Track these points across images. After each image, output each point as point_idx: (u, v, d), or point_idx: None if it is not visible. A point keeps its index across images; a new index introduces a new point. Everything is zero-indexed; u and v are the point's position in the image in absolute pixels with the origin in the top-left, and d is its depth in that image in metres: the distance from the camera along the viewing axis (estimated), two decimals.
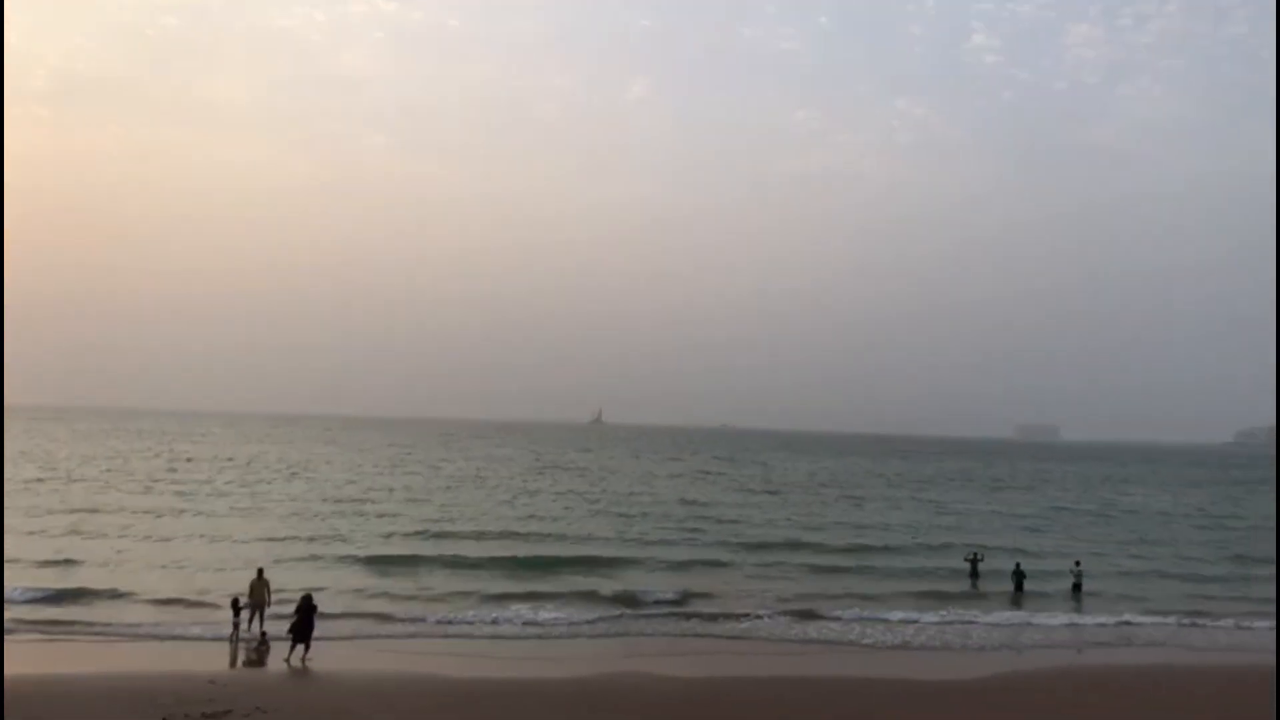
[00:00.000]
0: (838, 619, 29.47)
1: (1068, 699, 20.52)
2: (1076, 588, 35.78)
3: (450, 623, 27.69)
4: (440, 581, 34.05)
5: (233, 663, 23.16)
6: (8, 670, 18.41)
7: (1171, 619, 31.54)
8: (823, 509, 66.71)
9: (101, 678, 20.00)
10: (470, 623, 27.78)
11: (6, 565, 30.98)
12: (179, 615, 27.54)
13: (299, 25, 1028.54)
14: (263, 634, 24.71)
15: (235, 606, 24.81)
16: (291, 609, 23.57)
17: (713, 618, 29.36)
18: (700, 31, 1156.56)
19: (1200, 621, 31.29)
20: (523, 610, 29.16)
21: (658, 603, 31.27)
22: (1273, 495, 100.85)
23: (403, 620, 27.73)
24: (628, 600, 31.49)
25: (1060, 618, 31.37)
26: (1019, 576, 35.91)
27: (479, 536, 45.69)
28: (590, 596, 31.94)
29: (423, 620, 27.77)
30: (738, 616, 29.45)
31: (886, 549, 46.28)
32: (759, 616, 29.49)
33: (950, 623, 29.76)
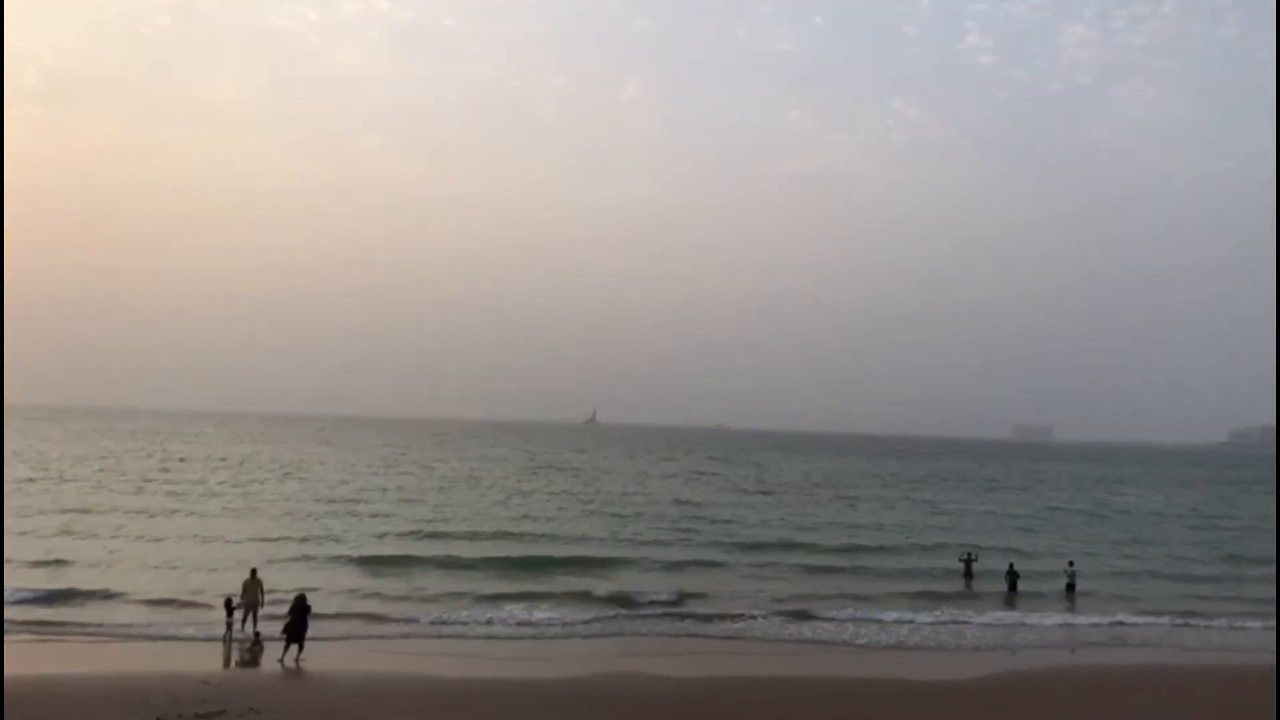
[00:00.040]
0: (832, 619, 29.46)
1: (1068, 699, 20.54)
2: (1070, 588, 35.83)
3: (444, 623, 27.62)
4: (434, 582, 33.97)
5: (226, 663, 23.07)
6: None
7: (1165, 619, 31.59)
8: (817, 509, 66.73)
9: (94, 678, 19.91)
10: (464, 623, 27.70)
11: None
12: (172, 616, 27.43)
13: (292, 24, 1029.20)
14: (256, 634, 24.62)
15: (229, 607, 24.76)
16: (285, 609, 23.51)
17: (707, 618, 29.32)
18: (695, 32, 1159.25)
19: (1194, 622, 31.35)
20: (517, 611, 29.11)
21: (652, 603, 31.22)
22: (1266, 495, 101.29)
23: (396, 621, 27.66)
24: (622, 600, 31.44)
25: (1054, 618, 31.40)
26: (1013, 577, 35.95)
27: (472, 537, 45.60)
28: (584, 597, 31.88)
29: (416, 621, 27.70)
30: (732, 617, 29.44)
31: (880, 549, 46.31)
32: (753, 617, 29.48)
33: (944, 623, 29.76)
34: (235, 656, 23.58)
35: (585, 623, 28.33)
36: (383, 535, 45.43)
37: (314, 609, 23.74)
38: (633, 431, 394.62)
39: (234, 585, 26.45)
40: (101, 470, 78.92)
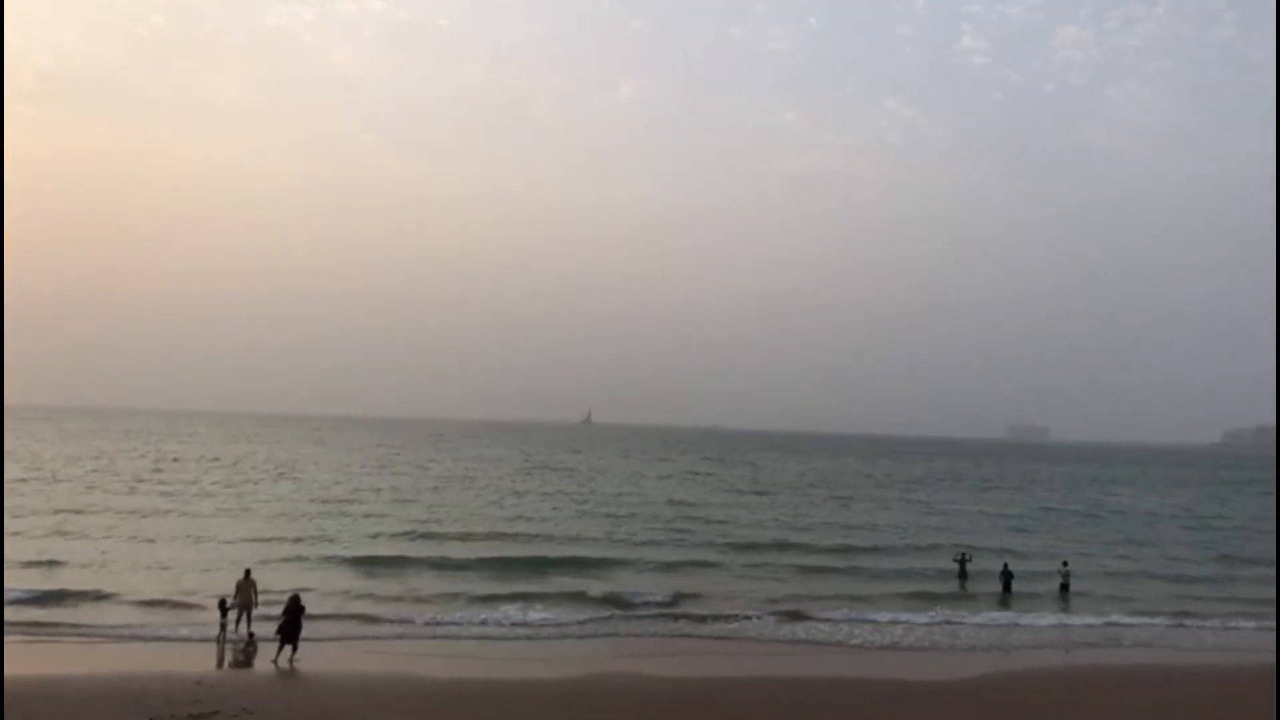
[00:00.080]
0: (827, 620, 29.45)
1: (1062, 699, 20.56)
2: (1064, 588, 35.88)
3: (439, 624, 27.57)
4: (428, 582, 33.91)
5: (220, 664, 22.98)
6: None
7: (1159, 620, 31.65)
8: (811, 509, 66.74)
9: (87, 679, 19.85)
10: (459, 624, 27.65)
11: None
12: (165, 616, 27.35)
13: (288, 24, 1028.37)
14: (250, 635, 24.58)
15: (222, 607, 24.69)
16: (279, 610, 23.46)
17: (702, 619, 29.30)
18: (692, 32, 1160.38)
19: (1188, 622, 31.40)
20: (511, 611, 29.06)
21: (647, 603, 31.18)
22: (1259, 496, 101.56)
23: (391, 621, 27.60)
24: (617, 601, 31.40)
25: (1048, 618, 31.45)
26: (1007, 577, 35.98)
27: (467, 537, 45.54)
28: (579, 597, 31.85)
29: (411, 621, 27.64)
30: (727, 617, 29.43)
31: (875, 550, 46.33)
32: (748, 617, 29.47)
33: (939, 623, 29.77)
34: (229, 657, 23.51)
35: (580, 623, 28.29)
36: (377, 536, 45.34)
37: (308, 609, 23.68)
38: (628, 432, 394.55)
39: (227, 586, 26.40)
40: (95, 470, 78.68)
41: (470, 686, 20.46)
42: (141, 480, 70.77)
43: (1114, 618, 31.58)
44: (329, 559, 38.09)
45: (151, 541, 41.15)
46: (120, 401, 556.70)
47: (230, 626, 24.67)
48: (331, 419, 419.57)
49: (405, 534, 46.04)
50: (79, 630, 25.37)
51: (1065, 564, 37.44)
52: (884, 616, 30.24)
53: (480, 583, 34.07)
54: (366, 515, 52.92)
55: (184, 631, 25.51)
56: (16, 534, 40.76)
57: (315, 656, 22.80)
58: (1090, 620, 31.15)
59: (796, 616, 29.76)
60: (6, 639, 23.54)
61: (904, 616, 30.39)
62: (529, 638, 26.55)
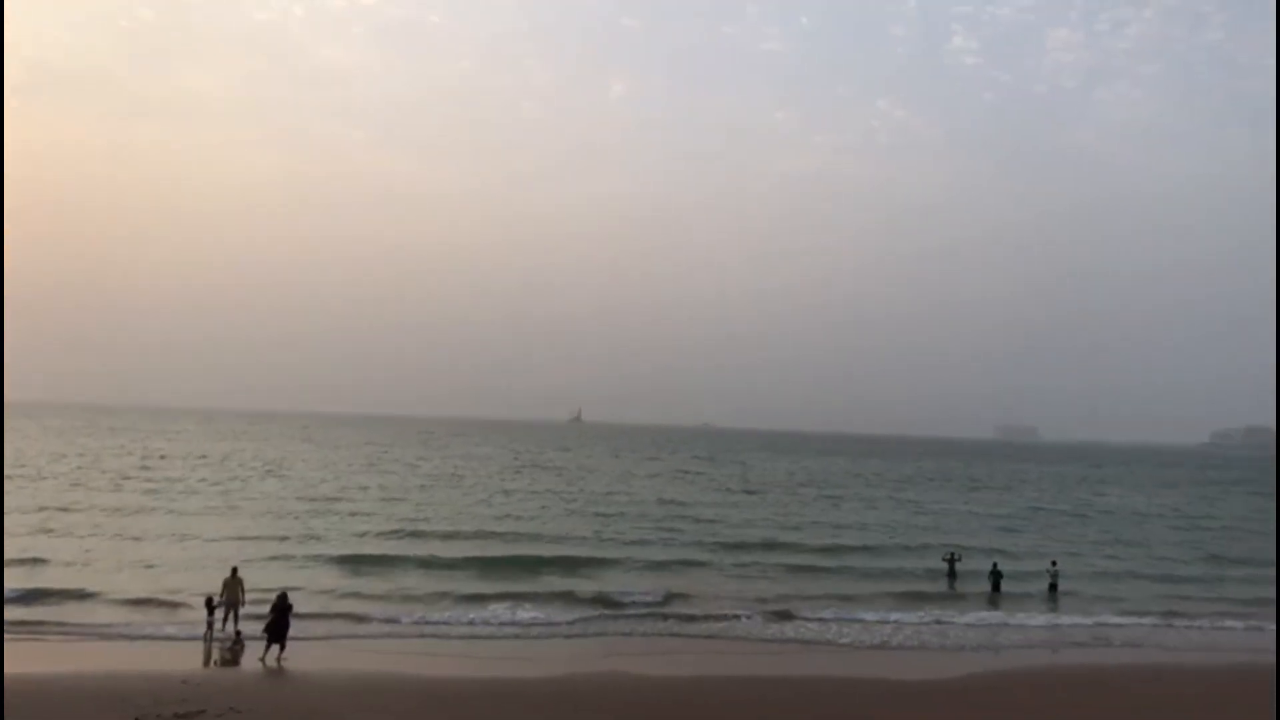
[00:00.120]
0: (816, 619, 29.43)
1: (1051, 699, 20.56)
2: (1053, 588, 35.94)
3: (426, 623, 27.44)
4: (416, 581, 33.77)
5: (206, 662, 22.84)
6: None
7: (1147, 619, 31.76)
8: (801, 509, 66.76)
9: (73, 678, 19.68)
10: (446, 623, 27.54)
11: None
12: (151, 615, 27.17)
13: (277, 18, 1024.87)
14: (237, 633, 24.42)
15: (209, 606, 24.54)
16: (266, 608, 23.31)
17: (691, 618, 29.25)
18: (682, 31, 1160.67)
19: (1175, 622, 31.50)
20: (500, 610, 28.96)
21: (635, 603, 31.12)
22: (1247, 496, 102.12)
23: (378, 620, 27.46)
24: (605, 600, 31.33)
25: (1037, 618, 31.49)
26: (996, 577, 36.03)
27: (455, 536, 45.36)
28: (567, 597, 31.75)
29: (398, 620, 27.51)
30: (716, 617, 29.38)
31: (864, 549, 46.34)
32: (737, 616, 29.43)
33: (928, 623, 29.79)
34: (216, 656, 23.36)
35: (568, 623, 28.20)
36: (364, 534, 45.15)
37: (295, 608, 23.55)
38: (618, 430, 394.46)
39: (214, 584, 26.25)
40: (80, 468, 78.21)
41: (458, 685, 20.36)
42: (127, 478, 70.35)
43: (1102, 617, 31.68)
44: (316, 557, 37.89)
45: (137, 539, 40.89)
46: (106, 398, 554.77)
47: (217, 625, 24.52)
48: (320, 416, 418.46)
49: (393, 532, 45.84)
50: (63, 629, 25.16)
51: (1054, 563, 37.51)
52: (873, 616, 30.24)
53: (468, 581, 33.94)
54: (354, 513, 52.68)
55: (170, 630, 25.34)
56: None
57: (303, 655, 22.67)
58: (1079, 620, 31.22)
59: (785, 616, 29.73)
60: None
61: (893, 616, 30.39)
62: (517, 637, 26.45)
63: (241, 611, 25.02)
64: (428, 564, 37.30)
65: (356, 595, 30.92)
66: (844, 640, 27.21)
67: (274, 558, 37.26)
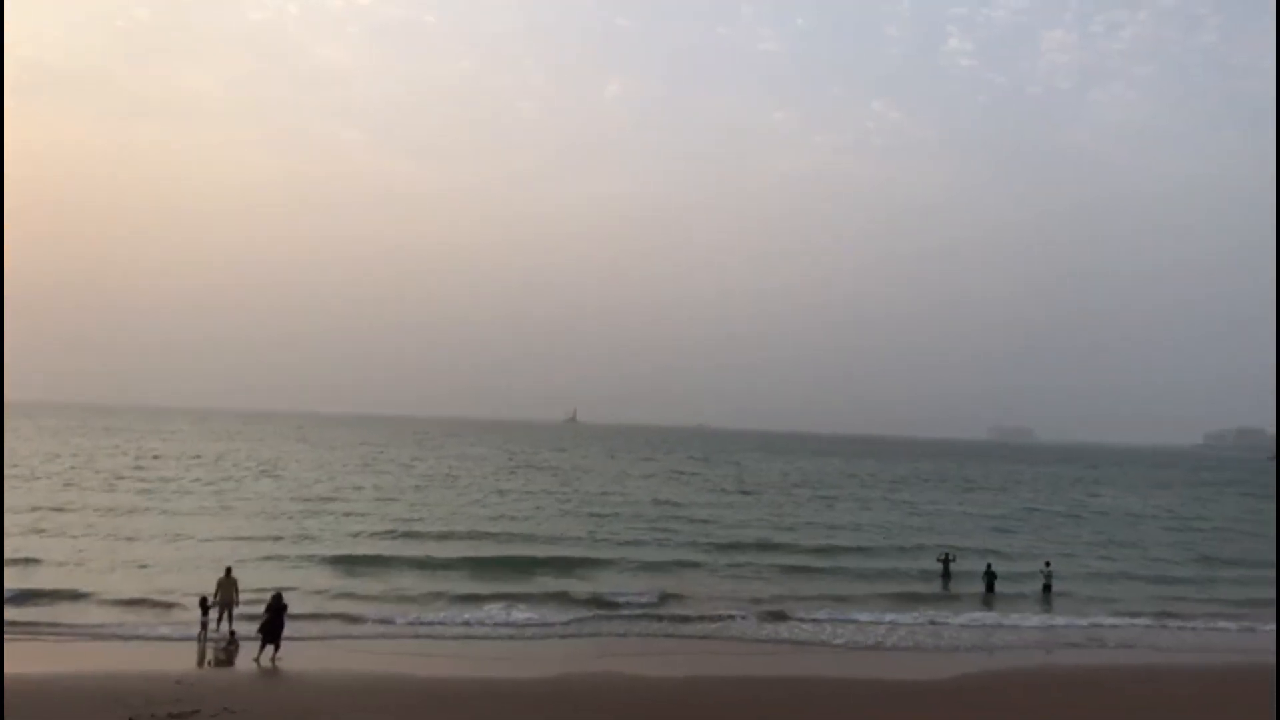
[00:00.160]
0: (810, 620, 29.45)
1: (1045, 699, 20.60)
2: (1047, 589, 36.01)
3: (421, 623, 27.43)
4: (411, 582, 33.73)
5: (200, 663, 22.82)
6: None
7: (1141, 620, 31.82)
8: (795, 509, 66.78)
9: (66, 678, 19.65)
10: (441, 623, 27.52)
11: None
12: (145, 615, 27.11)
13: (273, 18, 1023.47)
14: (231, 633, 24.40)
15: (203, 606, 24.48)
16: (260, 608, 23.28)
17: (685, 618, 29.26)
18: (678, 31, 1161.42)
19: (1169, 623, 31.57)
20: (494, 611, 28.93)
21: (630, 603, 31.11)
22: (1240, 498, 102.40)
23: (373, 620, 27.44)
24: (600, 601, 31.31)
25: (1031, 619, 31.56)
26: (990, 577, 36.07)
27: (449, 536, 45.30)
28: (562, 597, 31.72)
29: (393, 621, 27.49)
30: (710, 617, 29.39)
31: (859, 550, 46.38)
32: (731, 617, 29.45)
33: (922, 623, 29.82)
34: (210, 656, 23.34)
35: (563, 623, 28.19)
36: (359, 535, 45.07)
37: (290, 608, 23.51)
38: (613, 430, 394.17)
39: (208, 584, 26.18)
40: (73, 467, 78.00)
41: (453, 686, 20.35)
42: (121, 478, 70.17)
43: (1096, 618, 31.71)
44: (310, 558, 37.84)
45: (131, 540, 40.80)
46: (106, 398, 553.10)
47: (211, 625, 24.47)
48: (314, 416, 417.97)
49: (388, 533, 45.78)
50: (56, 629, 25.09)
51: (1048, 564, 37.57)
52: (867, 616, 30.26)
53: (463, 582, 33.91)
54: (348, 514, 52.59)
55: (164, 630, 25.30)
56: None
57: (297, 655, 22.63)
58: (1073, 620, 31.27)
59: (780, 616, 29.75)
60: None
61: (887, 616, 30.42)
62: (512, 637, 26.44)
63: (236, 612, 24.99)
64: (422, 564, 37.25)
65: (351, 595, 30.88)
66: (838, 641, 27.24)
67: (268, 558, 37.20)
